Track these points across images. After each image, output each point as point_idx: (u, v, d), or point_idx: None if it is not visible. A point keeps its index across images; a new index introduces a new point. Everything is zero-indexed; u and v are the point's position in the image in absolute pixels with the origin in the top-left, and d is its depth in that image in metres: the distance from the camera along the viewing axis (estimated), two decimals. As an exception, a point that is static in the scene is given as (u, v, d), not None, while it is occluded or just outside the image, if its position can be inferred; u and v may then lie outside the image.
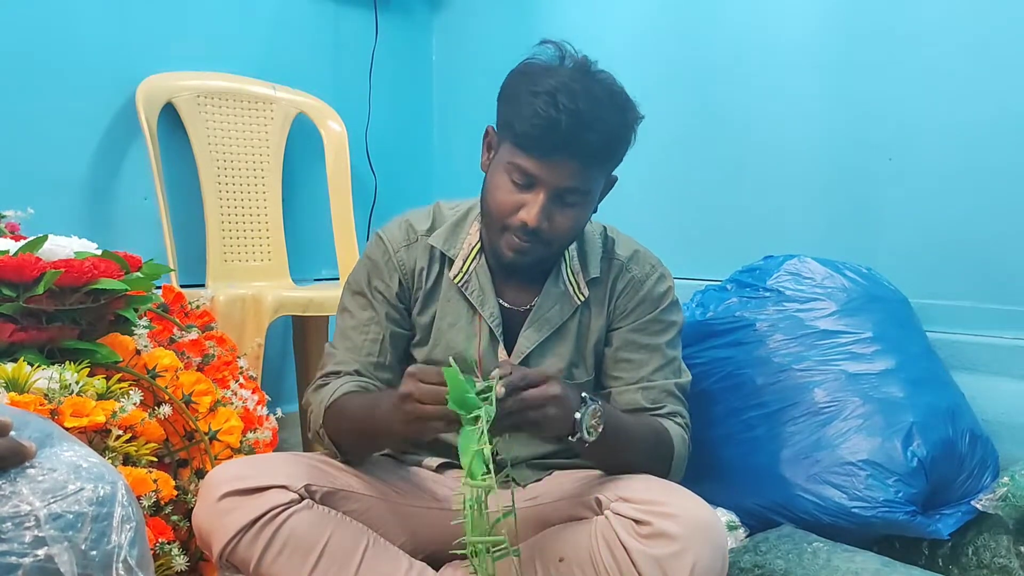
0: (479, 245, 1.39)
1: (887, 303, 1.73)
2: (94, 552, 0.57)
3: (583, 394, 1.16)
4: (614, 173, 1.34)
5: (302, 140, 2.39)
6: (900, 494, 1.48)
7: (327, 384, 1.35)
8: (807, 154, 2.05)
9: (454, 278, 1.38)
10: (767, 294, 1.74)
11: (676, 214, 2.24)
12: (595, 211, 1.36)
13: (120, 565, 0.58)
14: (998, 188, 1.79)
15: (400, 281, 1.39)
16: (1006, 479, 1.48)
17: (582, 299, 1.39)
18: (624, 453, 1.26)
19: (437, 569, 1.30)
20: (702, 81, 2.23)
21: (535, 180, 1.24)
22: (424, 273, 1.39)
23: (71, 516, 0.58)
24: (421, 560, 1.31)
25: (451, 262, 1.39)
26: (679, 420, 1.37)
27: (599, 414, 1.16)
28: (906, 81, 1.90)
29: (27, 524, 0.56)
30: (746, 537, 1.58)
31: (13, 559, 0.54)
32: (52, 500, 0.58)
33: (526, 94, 1.22)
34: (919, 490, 1.50)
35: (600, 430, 1.16)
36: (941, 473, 1.54)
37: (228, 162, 2.22)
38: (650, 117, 2.26)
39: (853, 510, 1.49)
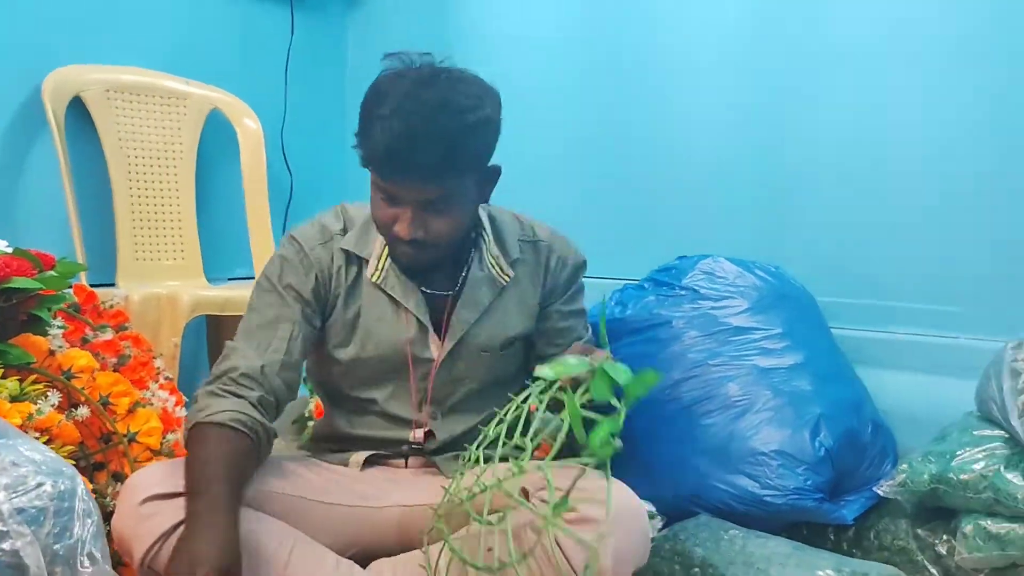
0: None
1: (795, 301, 1.82)
2: (58, 546, 0.57)
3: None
4: (494, 164, 1.34)
5: (217, 137, 2.35)
6: (809, 482, 1.55)
7: (224, 398, 1.26)
8: (720, 157, 2.12)
9: (371, 277, 1.38)
10: (683, 292, 1.80)
11: (594, 215, 2.29)
12: (485, 200, 1.38)
13: (84, 559, 0.57)
14: (896, 191, 1.90)
15: (317, 277, 1.37)
16: (904, 466, 1.56)
17: (506, 280, 1.43)
18: None
19: (364, 567, 1.31)
20: (617, 84, 2.28)
21: (397, 198, 1.26)
22: (342, 271, 1.38)
23: (34, 511, 0.57)
24: (347, 559, 1.31)
25: (366, 262, 1.39)
26: None
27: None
28: (815, 85, 1.99)
29: (-9, 518, 0.55)
30: (663, 526, 1.63)
31: (-22, 553, 0.54)
32: (14, 495, 0.57)
33: (370, 117, 1.24)
34: (826, 478, 1.58)
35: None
36: (846, 462, 1.62)
37: (139, 158, 2.17)
38: (566, 119, 2.33)
39: (765, 498, 1.55)
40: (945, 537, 1.52)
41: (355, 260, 1.39)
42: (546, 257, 1.47)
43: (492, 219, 1.45)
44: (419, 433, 1.42)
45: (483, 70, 1.33)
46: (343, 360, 1.40)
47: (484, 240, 1.43)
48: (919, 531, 1.56)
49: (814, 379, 1.67)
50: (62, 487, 0.59)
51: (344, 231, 1.40)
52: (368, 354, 1.39)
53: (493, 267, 1.42)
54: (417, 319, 1.39)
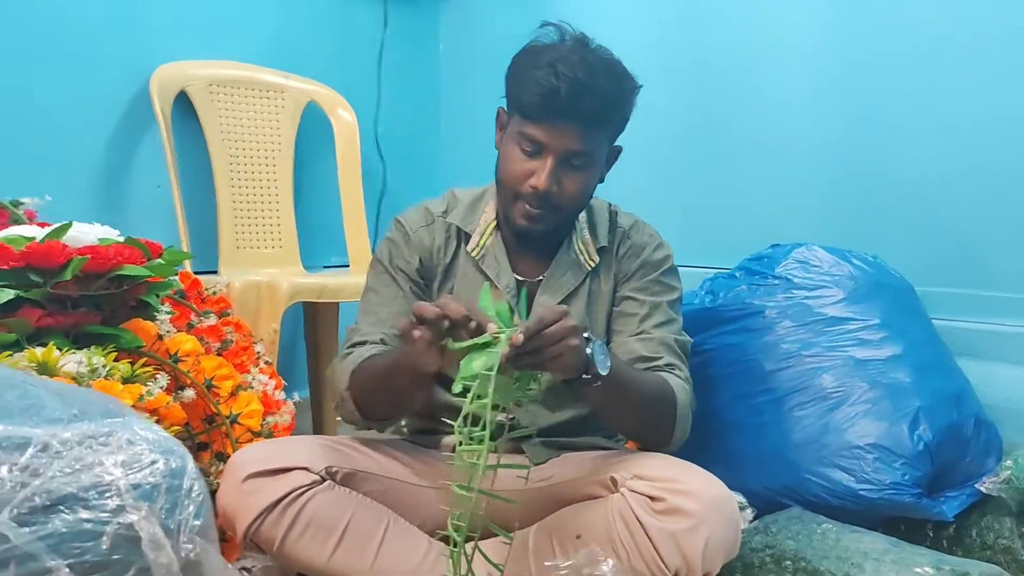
0: (495, 222, 1.46)
1: (893, 290, 1.76)
2: (168, 520, 0.60)
3: (585, 333, 1.19)
4: (617, 144, 1.42)
5: (313, 128, 2.41)
6: (906, 477, 1.51)
7: (354, 352, 1.38)
8: (814, 143, 2.08)
9: (471, 251, 1.44)
10: (776, 282, 1.77)
11: (686, 203, 2.27)
12: (602, 180, 1.42)
13: (188, 533, 0.61)
14: (999, 179, 1.82)
15: (420, 258, 1.45)
16: (1009, 462, 1.51)
17: (592, 265, 1.46)
18: (632, 401, 1.29)
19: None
20: (709, 72, 2.25)
21: (542, 146, 1.32)
22: (442, 250, 1.46)
23: (148, 486, 0.61)
24: (439, 540, 1.34)
25: (468, 238, 1.45)
26: (678, 373, 1.39)
27: (605, 350, 1.20)
28: (910, 73, 1.93)
29: (109, 493, 0.59)
30: (753, 518, 1.61)
31: (98, 526, 0.58)
32: (130, 471, 0.61)
33: (529, 68, 1.31)
34: (924, 473, 1.53)
35: (610, 364, 1.19)
36: (946, 456, 1.57)
37: (240, 150, 2.24)
38: (660, 109, 2.31)
39: (860, 492, 1.52)
40: (1053, 537, 1.46)
41: (456, 238, 1.47)
42: (619, 242, 1.49)
43: (588, 207, 1.48)
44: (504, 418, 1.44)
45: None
46: None
47: (577, 225, 1.46)
48: (1025, 530, 1.51)
49: (913, 371, 1.62)
50: (174, 465, 0.63)
51: (446, 213, 1.48)
52: None
53: (581, 252, 1.46)
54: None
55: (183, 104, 2.15)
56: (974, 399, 1.69)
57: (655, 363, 1.39)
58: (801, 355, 1.66)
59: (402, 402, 1.34)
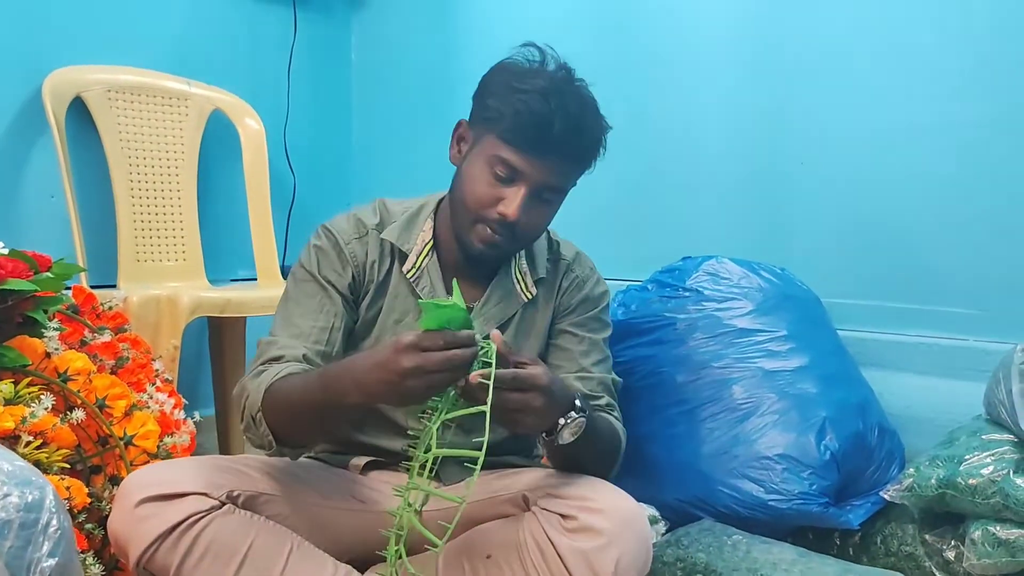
0: (432, 242, 1.39)
1: (800, 302, 1.80)
2: (18, 561, 0.55)
3: (576, 401, 1.17)
4: None
5: (218, 137, 2.34)
6: (814, 486, 1.53)
7: (268, 370, 1.26)
8: (724, 157, 2.11)
9: (407, 273, 1.37)
10: (686, 294, 1.78)
11: (597, 215, 2.26)
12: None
13: (41, 574, 0.55)
14: (902, 191, 1.88)
15: (352, 273, 1.36)
16: (911, 470, 1.54)
17: (528, 297, 1.41)
18: (586, 455, 1.27)
19: (363, 572, 1.29)
20: (620, 83, 2.26)
21: (519, 174, 1.26)
22: (376, 266, 1.38)
23: (-2, 523, 0.55)
24: (346, 563, 1.29)
25: (404, 257, 1.38)
26: (617, 415, 1.39)
27: (581, 427, 1.17)
28: (819, 87, 1.97)
29: (-49, 532, 0.54)
30: (666, 530, 1.61)
31: (-64, 569, 0.52)
32: (-22, 506, 0.55)
33: (514, 90, 1.25)
34: (831, 482, 1.56)
35: (574, 440, 1.17)
36: (852, 465, 1.60)
37: (141, 159, 2.15)
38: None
39: (770, 503, 1.53)
40: (953, 543, 1.49)
41: (390, 255, 1.39)
42: (563, 275, 1.45)
43: None
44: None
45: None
46: None
47: (515, 254, 1.41)
48: (927, 536, 1.54)
49: (819, 382, 1.65)
50: (30, 498, 0.57)
51: (380, 226, 1.39)
52: None
53: (518, 282, 1.41)
54: None
55: (79, 111, 2.06)
56: (877, 408, 1.73)
57: (596, 402, 1.37)
58: (711, 367, 1.68)
59: (330, 431, 1.26)
